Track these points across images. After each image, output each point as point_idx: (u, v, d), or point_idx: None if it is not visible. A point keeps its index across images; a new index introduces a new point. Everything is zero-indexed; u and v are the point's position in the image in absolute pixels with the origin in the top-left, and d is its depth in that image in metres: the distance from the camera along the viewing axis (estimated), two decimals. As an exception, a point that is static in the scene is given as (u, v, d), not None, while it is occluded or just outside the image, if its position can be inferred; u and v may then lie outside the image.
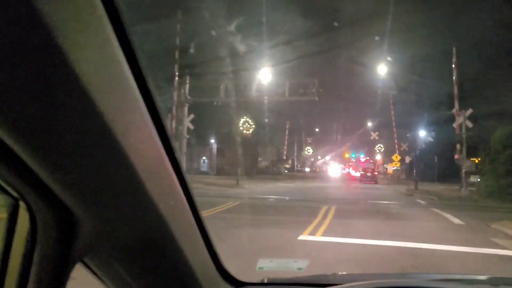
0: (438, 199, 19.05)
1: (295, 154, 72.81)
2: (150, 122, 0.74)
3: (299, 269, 1.74)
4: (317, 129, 66.89)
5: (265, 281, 1.55)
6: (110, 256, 0.88)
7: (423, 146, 49.97)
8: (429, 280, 1.55)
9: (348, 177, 56.67)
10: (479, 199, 20.23)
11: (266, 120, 36.21)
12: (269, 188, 25.05)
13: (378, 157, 66.63)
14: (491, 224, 10.67)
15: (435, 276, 1.83)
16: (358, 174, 48.54)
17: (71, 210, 0.69)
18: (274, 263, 1.89)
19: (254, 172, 50.28)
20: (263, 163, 48.71)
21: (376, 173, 43.32)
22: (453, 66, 21.32)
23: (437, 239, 8.37)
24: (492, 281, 1.62)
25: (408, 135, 57.57)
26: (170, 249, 0.95)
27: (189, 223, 1.02)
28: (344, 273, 2.85)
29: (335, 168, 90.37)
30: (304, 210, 13.28)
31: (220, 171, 49.04)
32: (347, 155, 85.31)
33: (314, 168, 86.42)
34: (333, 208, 13.17)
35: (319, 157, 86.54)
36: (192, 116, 25.09)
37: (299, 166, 70.96)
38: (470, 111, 20.64)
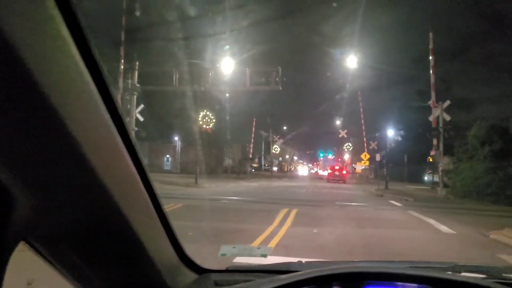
0: (413, 200, 16.91)
1: (263, 152, 70.47)
2: (100, 101, 0.75)
3: (263, 255, 1.67)
4: (285, 127, 64.58)
5: (230, 268, 1.61)
6: (56, 237, 0.86)
7: (392, 145, 49.04)
8: (392, 267, 1.43)
9: (316, 177, 54.86)
10: (455, 200, 18.29)
11: (229, 116, 33.57)
12: (229, 188, 22.75)
13: (347, 156, 65.22)
14: (488, 233, 8.45)
15: (400, 265, 1.67)
16: (325, 173, 46.72)
17: (5, 185, 0.67)
18: (237, 249, 1.67)
19: (220, 170, 47.73)
20: (228, 162, 45.80)
21: (344, 172, 41.36)
22: (430, 53, 19.29)
23: (430, 256, 5.98)
24: (456, 268, 1.57)
25: (376, 134, 56.72)
26: (126, 235, 0.93)
27: (147, 211, 1.02)
28: (310, 260, 2.51)
29: (303, 167, 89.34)
30: (258, 214, 10.69)
31: (184, 169, 47.10)
32: (314, 153, 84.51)
33: (282, 168, 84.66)
34: (293, 212, 10.75)
35: (287, 156, 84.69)
36: (141, 106, 22.04)
37: (266, 165, 68.65)
38: (448, 102, 18.68)
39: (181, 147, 58.07)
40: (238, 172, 49.33)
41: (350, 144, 59.10)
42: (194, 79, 21.82)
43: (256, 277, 1.42)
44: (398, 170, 48.14)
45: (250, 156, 54.55)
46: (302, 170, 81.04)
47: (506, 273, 1.63)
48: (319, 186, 29.17)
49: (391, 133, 56.92)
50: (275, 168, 78.01)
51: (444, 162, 18.05)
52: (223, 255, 1.62)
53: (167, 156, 64.60)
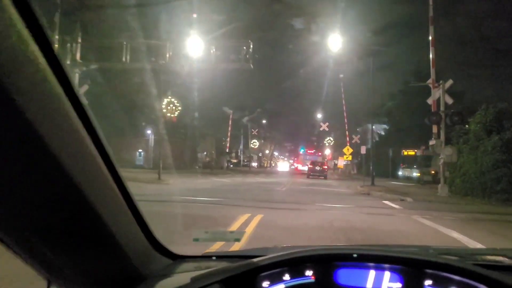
0: (413, 200, 13.58)
1: (241, 147, 66.93)
2: (62, 95, 0.75)
3: (237, 240, 1.62)
4: (264, 121, 61.07)
5: (206, 254, 1.60)
6: (21, 229, 0.86)
7: (376, 139, 46.36)
8: (365, 249, 1.41)
9: (297, 172, 51.71)
10: (460, 199, 15.09)
11: (198, 105, 29.93)
12: (195, 185, 19.25)
13: (328, 151, 62.22)
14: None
15: (374, 248, 1.65)
16: (306, 168, 43.57)
17: None
18: (209, 234, 1.60)
19: (195, 165, 44.19)
20: (202, 156, 42.10)
21: (325, 167, 38.19)
22: (429, 22, 16.02)
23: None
24: (424, 250, 1.62)
25: (358, 129, 53.75)
26: (93, 223, 0.92)
27: (115, 200, 1.01)
28: (286, 246, 2.02)
29: (283, 163, 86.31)
30: (209, 222, 7.31)
31: (158, 165, 43.89)
32: (295, 149, 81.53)
33: (262, 163, 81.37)
34: (256, 220, 7.52)
35: (267, 152, 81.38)
36: (86, 87, 18.17)
37: (245, 160, 65.16)
38: (450, 82, 15.50)
39: (155, 141, 54.66)
40: (214, 167, 45.87)
41: (331, 139, 56.02)
42: (150, 55, 18.12)
43: (230, 262, 1.40)
44: (383, 165, 45.45)
45: (227, 150, 50.89)
46: (283, 165, 77.98)
47: (480, 255, 1.71)
48: (298, 183, 25.84)
49: (376, 126, 54.51)
50: (254, 164, 74.79)
51: (446, 153, 14.79)
52: (196, 240, 1.57)
53: (140, 150, 61.06)
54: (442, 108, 15.29)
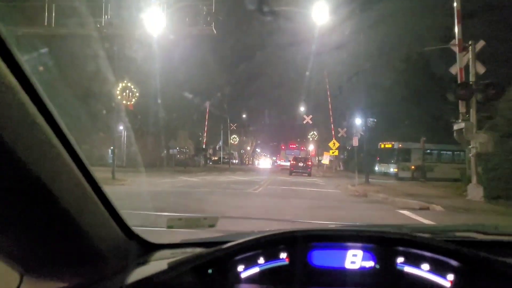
0: (444, 209, 8.98)
1: (221, 143, 62.41)
2: (22, 93, 0.76)
3: (211, 226, 1.61)
4: (244, 115, 56.58)
5: (183, 242, 1.57)
6: None
7: (362, 133, 42.62)
8: (339, 229, 1.41)
9: (279, 169, 47.47)
10: (508, 208, 10.79)
11: (163, 93, 25.30)
12: (154, 185, 15.51)
13: (312, 147, 58.17)
14: None
15: (349, 227, 1.59)
16: (288, 164, 39.55)
17: None
18: (183, 221, 1.60)
19: (172, 163, 39.58)
20: (173, 152, 37.38)
21: (309, 163, 34.17)
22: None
23: None
24: (402, 229, 1.60)
25: (344, 122, 49.93)
26: (63, 217, 0.92)
27: (81, 190, 1.00)
28: (264, 230, 1.67)
29: (265, 160, 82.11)
30: None
31: (131, 162, 39.89)
32: (278, 145, 77.66)
33: (243, 160, 77.02)
34: None
35: (248, 148, 77.04)
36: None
37: (226, 157, 60.64)
38: (482, 43, 11.33)
39: (127, 137, 49.98)
40: (188, 164, 41.35)
41: (315, 133, 51.86)
42: (83, 17, 13.51)
43: (207, 249, 1.33)
44: (371, 162, 41.50)
45: (204, 146, 46.23)
46: (264, 162, 73.72)
47: (453, 232, 1.71)
48: (278, 182, 21.53)
49: (358, 121, 50.62)
50: (235, 161, 70.39)
51: (480, 141, 10.58)
52: (170, 227, 1.56)
53: (112, 147, 56.18)
54: (472, 78, 11.02)
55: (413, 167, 27.10)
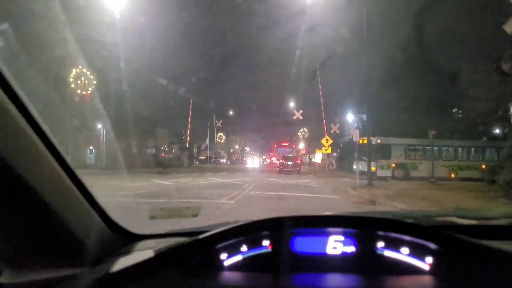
0: None
1: (207, 141, 58.63)
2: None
3: (194, 215, 1.59)
4: (231, 112, 52.82)
5: (168, 232, 1.53)
6: None
7: (360, 127, 39.49)
8: (319, 215, 1.38)
9: (269, 169, 44.05)
10: None
11: (132, 84, 21.63)
12: (113, 190, 12.64)
13: (303, 145, 54.72)
14: None
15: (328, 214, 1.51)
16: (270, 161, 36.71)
17: None
18: (166, 211, 1.65)
19: (152, 164, 36.07)
20: (151, 151, 33.57)
21: (298, 161, 32.09)
22: None
23: None
24: (385, 214, 1.68)
25: (337, 118, 46.63)
26: (42, 211, 0.93)
27: (60, 180, 1.00)
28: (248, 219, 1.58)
29: (253, 159, 78.61)
30: None
31: (111, 164, 36.35)
32: (267, 143, 74.59)
33: (233, 159, 73.34)
34: None
35: (236, 147, 73.39)
36: None
37: (213, 156, 56.93)
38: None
39: (106, 136, 46.11)
40: (169, 165, 37.70)
41: (305, 129, 48.40)
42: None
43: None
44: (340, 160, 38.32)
45: (187, 145, 42.52)
46: (252, 161, 70.19)
47: (433, 217, 1.76)
48: (265, 184, 17.98)
49: (350, 117, 47.29)
50: (223, 160, 66.75)
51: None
52: (153, 217, 1.54)
53: (91, 147, 52.20)
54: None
55: (393, 165, 23.93)
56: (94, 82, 17.80)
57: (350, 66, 35.27)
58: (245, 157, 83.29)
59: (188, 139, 42.81)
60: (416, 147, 24.71)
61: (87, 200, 1.11)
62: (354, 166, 26.22)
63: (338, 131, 37.48)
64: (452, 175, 23.98)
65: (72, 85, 16.84)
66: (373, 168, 24.19)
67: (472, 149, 24.92)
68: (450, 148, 24.94)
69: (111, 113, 30.79)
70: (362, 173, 25.00)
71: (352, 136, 16.54)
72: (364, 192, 13.69)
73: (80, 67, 17.11)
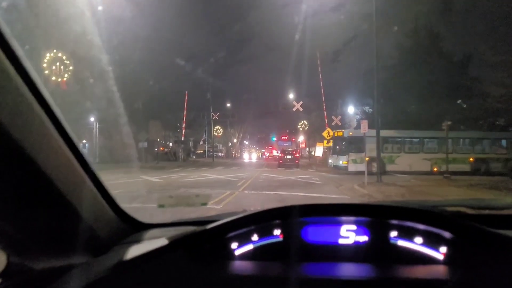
0: None
1: (205, 135, 56.72)
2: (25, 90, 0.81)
3: (203, 204, 1.58)
4: (228, 104, 50.79)
5: (176, 222, 1.56)
6: None
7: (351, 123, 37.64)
8: (331, 203, 1.29)
9: (267, 163, 42.38)
10: None
11: (117, 69, 19.77)
12: None
13: (302, 138, 52.85)
14: None
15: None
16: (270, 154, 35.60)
17: None
18: (174, 199, 1.57)
19: (143, 158, 34.45)
20: (143, 145, 31.69)
21: (297, 155, 31.13)
22: None
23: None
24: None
25: (338, 110, 44.66)
26: (55, 199, 0.93)
27: (71, 168, 0.99)
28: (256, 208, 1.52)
29: (251, 153, 76.75)
30: None
31: (105, 158, 35.19)
32: (266, 137, 73.09)
33: (230, 153, 71.46)
34: None
35: (235, 140, 71.44)
36: None
37: (210, 150, 55.07)
38: None
39: (100, 129, 44.59)
40: (164, 159, 35.91)
41: (305, 122, 46.47)
42: None
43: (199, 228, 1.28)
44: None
45: (183, 138, 40.64)
46: (251, 155, 68.30)
47: (441, 207, 1.64)
48: (262, 180, 16.20)
49: (351, 109, 45.41)
50: (221, 154, 64.90)
51: None
52: (161, 206, 1.52)
53: (84, 141, 50.63)
54: None
55: (367, 158, 22.10)
56: (71, 68, 15.90)
57: (355, 54, 33.23)
58: (243, 151, 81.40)
59: (183, 132, 40.92)
60: (393, 139, 22.80)
61: (98, 190, 1.11)
62: (330, 161, 24.41)
63: (340, 123, 35.61)
64: (435, 169, 22.01)
65: (46, 71, 14.93)
66: (344, 162, 22.79)
67: (460, 140, 22.87)
68: (433, 140, 22.80)
69: (101, 104, 29.06)
70: (335, 167, 23.51)
71: (360, 127, 14.67)
72: (374, 190, 11.94)
73: (55, 51, 15.18)
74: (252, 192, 11.54)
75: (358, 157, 21.59)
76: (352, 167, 21.65)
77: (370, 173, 21.60)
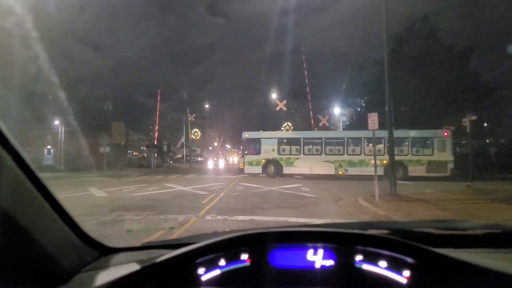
0: None
1: (183, 138, 52.47)
2: None
3: (171, 228, 1.78)
4: (206, 105, 46.64)
5: (144, 245, 1.49)
6: None
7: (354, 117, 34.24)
8: (299, 229, 1.31)
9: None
10: None
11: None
12: None
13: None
14: None
15: (309, 228, 1.46)
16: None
17: None
18: (142, 224, 1.37)
19: (104, 165, 30.15)
20: (105, 150, 27.35)
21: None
22: None
23: None
24: (363, 225, 1.60)
25: (325, 110, 41.08)
26: (3, 221, 0.87)
27: (28, 193, 0.96)
28: (225, 231, 1.75)
29: (233, 157, 72.74)
30: None
31: (70, 165, 31.35)
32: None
33: (214, 158, 67.27)
34: None
35: (215, 144, 67.27)
36: None
37: (189, 155, 50.86)
38: None
39: (64, 134, 40.25)
40: (129, 165, 31.73)
41: (289, 124, 42.71)
42: None
43: (167, 252, 1.26)
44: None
45: (155, 142, 36.32)
46: (218, 161, 64.33)
47: (410, 228, 1.64)
48: (236, 195, 12.24)
49: (337, 110, 42.00)
50: (200, 159, 60.66)
51: None
52: (129, 231, 1.64)
53: (48, 147, 45.88)
54: None
55: (263, 160, 20.92)
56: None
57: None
58: (228, 155, 77.16)
59: (156, 135, 36.62)
60: (291, 140, 21.33)
61: (58, 214, 1.06)
62: (240, 166, 21.85)
63: (327, 124, 32.08)
64: (340, 172, 20.02)
65: None
66: (240, 165, 21.78)
67: (364, 140, 20.02)
68: (336, 141, 20.64)
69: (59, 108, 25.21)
70: (240, 169, 21.36)
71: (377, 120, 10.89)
72: (392, 209, 8.18)
73: None
74: (218, 217, 7.59)
75: (253, 159, 21.12)
76: (248, 170, 21.19)
77: (268, 176, 20.07)
